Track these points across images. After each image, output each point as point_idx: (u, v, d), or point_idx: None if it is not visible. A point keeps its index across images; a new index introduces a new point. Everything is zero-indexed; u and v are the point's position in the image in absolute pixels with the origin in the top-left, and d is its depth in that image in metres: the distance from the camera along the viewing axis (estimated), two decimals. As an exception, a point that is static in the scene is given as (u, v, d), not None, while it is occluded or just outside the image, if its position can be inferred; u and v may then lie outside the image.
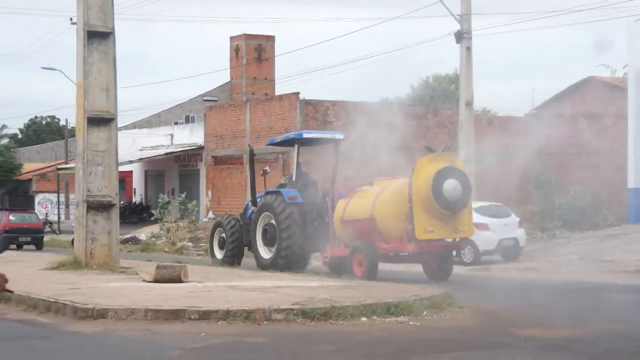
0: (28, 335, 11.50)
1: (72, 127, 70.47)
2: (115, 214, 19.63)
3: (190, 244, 34.55)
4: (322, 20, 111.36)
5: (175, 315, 12.17)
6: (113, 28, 19.47)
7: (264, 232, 21.30)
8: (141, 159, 50.74)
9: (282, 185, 22.35)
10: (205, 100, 57.76)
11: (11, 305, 14.07)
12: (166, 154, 49.31)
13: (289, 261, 20.49)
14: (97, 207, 19.32)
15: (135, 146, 52.21)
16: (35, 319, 12.76)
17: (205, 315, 12.10)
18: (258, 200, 22.10)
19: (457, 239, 19.28)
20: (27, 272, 18.67)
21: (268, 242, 21.18)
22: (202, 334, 11.16)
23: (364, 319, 12.21)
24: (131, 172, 55.05)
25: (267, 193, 21.86)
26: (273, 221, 21.00)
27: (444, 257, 19.45)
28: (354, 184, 20.30)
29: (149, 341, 10.78)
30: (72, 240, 31.97)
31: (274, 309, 12.14)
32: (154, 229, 39.80)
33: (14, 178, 62.92)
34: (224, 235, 22.93)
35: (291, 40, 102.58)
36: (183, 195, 40.58)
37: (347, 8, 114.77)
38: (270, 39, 64.02)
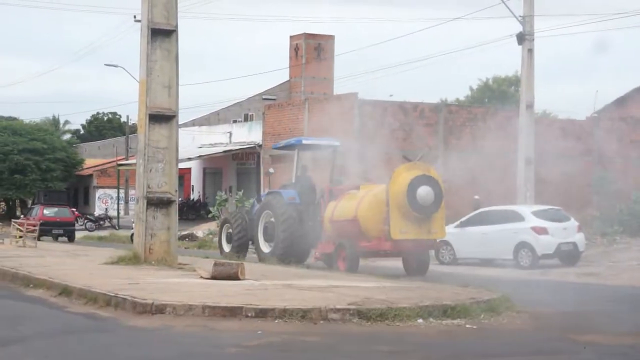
0: (89, 329, 11.68)
1: (133, 124, 71.30)
2: (174, 210, 19.81)
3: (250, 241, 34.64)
4: (382, 20, 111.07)
5: (232, 312, 12.25)
6: (176, 26, 19.65)
7: (265, 228, 23.59)
8: (200, 156, 51.20)
9: (284, 187, 24.07)
10: (263, 98, 57.99)
11: (72, 299, 14.31)
12: (224, 151, 49.67)
13: (285, 256, 22.27)
14: (156, 203, 19.52)
15: (194, 144, 52.68)
16: (95, 313, 12.95)
17: (262, 313, 12.15)
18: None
19: (434, 240, 21.39)
20: (88, 266, 18.99)
21: (268, 238, 23.44)
22: (259, 332, 11.22)
23: (420, 320, 12.15)
24: (189, 169, 55.57)
25: (268, 193, 24.19)
26: (273, 219, 23.18)
27: (420, 255, 21.56)
28: (344, 188, 22.54)
29: (206, 338, 10.87)
30: (131, 236, 32.64)
31: (330, 309, 12.14)
32: (211, 226, 40.14)
33: (75, 173, 63.90)
34: (230, 230, 24.99)
35: (351, 40, 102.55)
36: (240, 193, 40.84)
37: (408, 8, 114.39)
38: (330, 38, 64.04)
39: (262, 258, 23.18)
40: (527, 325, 12.53)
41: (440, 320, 12.25)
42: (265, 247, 23.46)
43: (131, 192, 59.55)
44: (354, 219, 21.08)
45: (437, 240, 21.97)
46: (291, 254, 22.41)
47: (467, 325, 12.15)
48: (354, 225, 21.08)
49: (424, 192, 20.11)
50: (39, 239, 28.87)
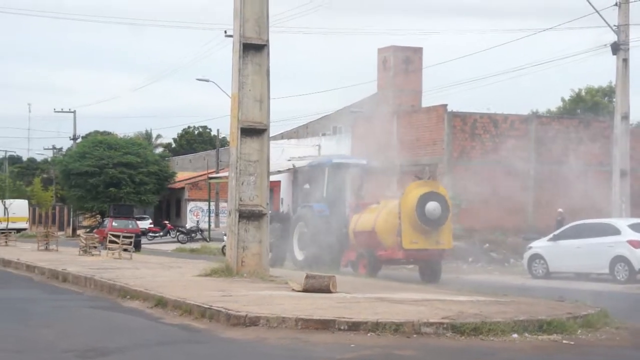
0: (184, 340, 11.84)
1: (223, 137, 72.27)
2: (265, 223, 19.94)
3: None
4: (471, 31, 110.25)
5: (325, 325, 12.26)
6: (267, 40, 19.81)
7: (299, 237, 26.16)
8: (289, 169, 51.49)
9: (317, 201, 26.59)
10: (352, 111, 58.07)
11: (168, 310, 14.54)
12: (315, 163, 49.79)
13: (315, 263, 24.11)
14: (248, 216, 19.68)
15: (283, 156, 53.04)
16: (190, 324, 13.12)
17: (354, 327, 12.13)
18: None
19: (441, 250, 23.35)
20: (182, 278, 19.26)
21: (302, 246, 25.92)
22: (352, 345, 11.20)
23: (515, 335, 11.96)
24: (279, 182, 55.96)
25: (302, 207, 26.77)
26: (305, 229, 25.73)
27: (431, 263, 23.62)
28: (367, 202, 25.06)
29: (299, 350, 10.90)
30: (223, 248, 33.12)
31: (423, 322, 12.06)
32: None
33: (167, 186, 65.02)
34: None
35: (439, 52, 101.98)
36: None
37: (497, 19, 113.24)
38: (418, 50, 63.75)
39: (296, 264, 25.63)
40: (626, 342, 12.22)
41: (535, 336, 12.03)
42: (299, 255, 26.04)
43: (221, 204, 60.35)
44: (372, 230, 23.67)
45: (445, 250, 23.70)
46: (321, 262, 24.12)
47: (564, 341, 11.90)
48: (372, 236, 23.69)
49: (432, 207, 22.42)
50: (108, 249, 30.05)
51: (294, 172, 28.81)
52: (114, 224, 43.58)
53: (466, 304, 14.39)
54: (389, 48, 62.70)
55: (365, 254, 23.96)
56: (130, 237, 30.14)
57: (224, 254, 29.33)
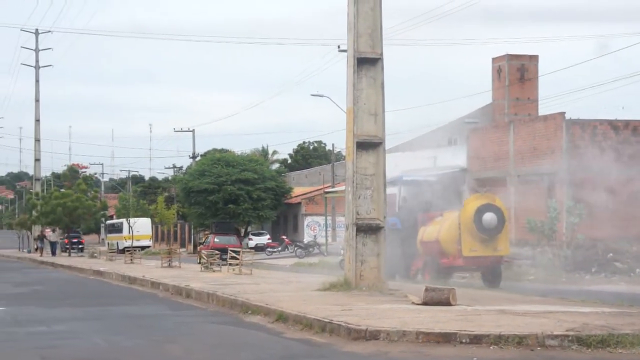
0: (306, 355, 11.93)
1: (338, 152, 72.62)
2: (383, 236, 19.92)
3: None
4: (590, 37, 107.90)
5: (446, 338, 12.17)
6: (381, 54, 19.84)
7: None
8: (404, 181, 51.29)
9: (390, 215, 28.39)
10: (466, 122, 57.53)
11: (289, 325, 14.68)
12: (429, 176, 49.50)
13: (388, 272, 24.63)
14: (366, 229, 19.70)
15: (398, 169, 52.86)
16: (311, 339, 13.21)
17: (476, 340, 12.00)
18: None
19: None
20: (301, 293, 19.43)
21: None
22: (475, 359, 11.08)
23: (644, 348, 11.60)
24: (394, 194, 55.78)
25: None
26: None
27: (491, 269, 25.34)
28: (433, 215, 26.85)
29: (421, 364, 10.85)
30: (340, 262, 33.30)
31: (547, 335, 11.83)
32: (418, 251, 39.98)
33: (284, 202, 65.74)
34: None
35: (556, 59, 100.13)
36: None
37: (616, 24, 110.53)
38: (534, 58, 62.80)
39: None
40: None
41: (666, 348, 11.64)
42: None
43: (338, 218, 60.55)
44: (436, 240, 25.67)
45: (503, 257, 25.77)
46: (393, 270, 25.14)
47: (698, 354, 11.47)
48: (436, 245, 25.68)
49: (489, 217, 24.43)
50: (211, 264, 31.00)
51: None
52: (216, 240, 46.42)
53: (591, 315, 14.05)
54: (503, 57, 62.01)
55: (430, 262, 26.05)
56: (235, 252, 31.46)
57: (342, 268, 29.30)
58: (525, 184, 39.46)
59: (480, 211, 24.43)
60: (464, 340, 11.99)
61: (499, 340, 11.86)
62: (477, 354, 11.37)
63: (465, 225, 24.59)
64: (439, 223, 26.09)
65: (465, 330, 12.24)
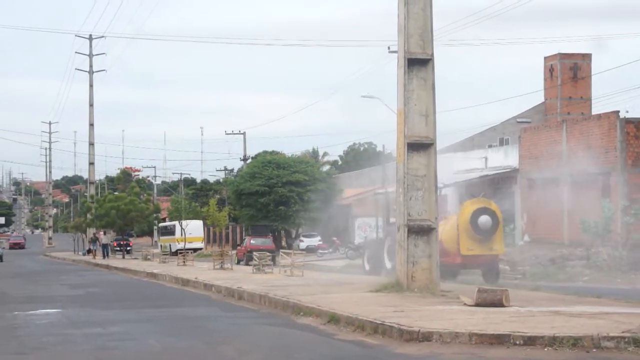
0: (358, 356, 11.94)
1: (389, 153, 72.43)
2: (434, 237, 19.84)
3: (507, 267, 34.15)
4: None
5: (499, 340, 12.09)
6: (432, 54, 19.76)
7: (388, 250, 30.10)
8: (456, 182, 51.04)
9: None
10: (518, 121, 57.01)
11: (340, 327, 14.69)
12: (481, 177, 49.24)
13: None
14: (417, 231, 19.64)
15: (449, 170, 52.59)
16: (363, 340, 13.21)
17: (530, 341, 11.91)
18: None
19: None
20: (353, 294, 19.41)
21: (389, 257, 29.58)
22: (529, 360, 10.99)
23: (703, 349, 11.40)
24: (446, 195, 55.50)
25: (390, 224, 30.50)
26: (391, 243, 28.82)
27: (489, 267, 27.62)
28: (440, 218, 28.27)
29: (475, 365, 10.79)
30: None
31: (603, 336, 11.70)
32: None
33: (335, 203, 65.69)
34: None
35: (612, 57, 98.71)
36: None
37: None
38: (587, 57, 62.06)
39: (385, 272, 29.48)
40: None
41: None
42: (388, 264, 30.01)
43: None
44: (439, 240, 27.00)
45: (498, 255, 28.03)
46: None
47: None
48: (440, 245, 27.22)
49: (484, 219, 26.80)
50: (247, 264, 31.39)
51: (386, 195, 33.68)
52: (252, 241, 49.09)
53: (648, 316, 13.84)
54: (555, 56, 61.39)
55: None
56: (271, 253, 32.64)
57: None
58: (579, 184, 38.98)
59: (476, 214, 26.90)
60: (517, 342, 11.91)
61: (554, 341, 11.75)
62: (531, 355, 11.29)
63: (463, 226, 27.00)
64: (441, 225, 27.74)
65: (518, 332, 12.14)
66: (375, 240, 34.01)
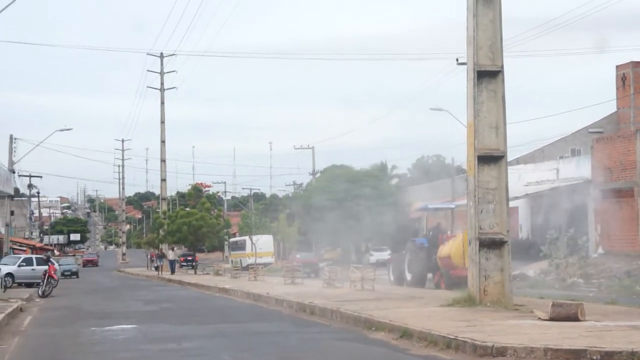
0: (432, 371, 11.87)
1: (458, 165, 72.01)
2: (506, 251, 19.64)
3: (581, 280, 33.64)
4: None
5: (575, 355, 11.92)
6: (502, 66, 19.61)
7: (408, 263, 34.33)
8: (527, 194, 50.47)
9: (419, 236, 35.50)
10: (590, 132, 56.18)
11: (413, 342, 14.62)
12: (552, 189, 48.60)
13: (416, 282, 32.99)
14: (489, 244, 19.48)
15: (520, 182, 52.05)
16: (437, 355, 13.13)
17: (607, 356, 11.71)
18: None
19: None
20: (425, 309, 19.32)
21: (409, 270, 34.14)
22: (606, 376, 10.79)
23: None
24: (517, 207, 54.91)
25: (409, 241, 35.40)
26: (410, 257, 34.26)
27: None
28: (450, 236, 33.20)
29: (551, 381, 10.64)
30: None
31: (683, 352, 11.43)
32: (542, 265, 39.27)
33: (405, 216, 65.47)
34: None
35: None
36: (572, 231, 39.69)
37: None
38: (660, 64, 60.83)
39: (405, 283, 33.73)
40: None
41: None
42: (408, 276, 34.04)
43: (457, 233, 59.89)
44: (448, 255, 31.32)
45: None
46: (419, 281, 33.01)
47: None
48: (449, 259, 31.34)
49: None
50: (333, 280, 31.86)
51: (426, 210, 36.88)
52: (297, 256, 54.93)
53: None
54: (627, 64, 60.34)
55: (445, 273, 32.16)
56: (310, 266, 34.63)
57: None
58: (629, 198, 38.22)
59: None
60: (594, 357, 11.73)
61: (632, 357, 11.54)
62: (609, 371, 11.08)
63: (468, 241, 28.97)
64: (451, 242, 31.79)
65: (595, 347, 11.95)
66: (399, 254, 36.95)
